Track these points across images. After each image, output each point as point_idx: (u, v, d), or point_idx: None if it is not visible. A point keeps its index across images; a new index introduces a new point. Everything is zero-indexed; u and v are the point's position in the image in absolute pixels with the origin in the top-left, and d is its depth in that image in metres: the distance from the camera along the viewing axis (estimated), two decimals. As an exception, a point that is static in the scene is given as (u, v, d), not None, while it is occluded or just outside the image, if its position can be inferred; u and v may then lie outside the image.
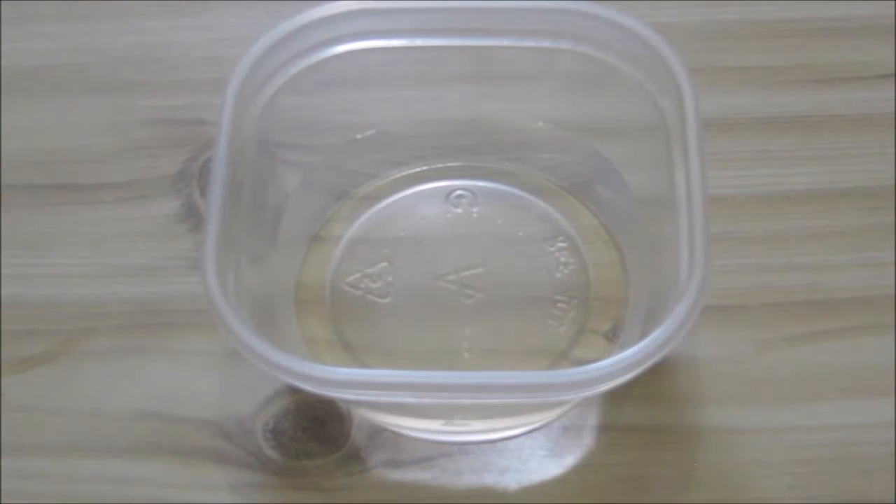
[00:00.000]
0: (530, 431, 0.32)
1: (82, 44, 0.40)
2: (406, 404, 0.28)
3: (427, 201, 0.36)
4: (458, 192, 0.36)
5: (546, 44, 0.31)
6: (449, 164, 0.36)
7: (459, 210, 0.35)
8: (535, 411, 0.32)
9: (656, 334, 0.25)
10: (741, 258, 0.35)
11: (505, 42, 0.31)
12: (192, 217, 0.36)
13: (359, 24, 0.31)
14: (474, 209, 0.35)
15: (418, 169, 0.36)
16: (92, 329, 0.34)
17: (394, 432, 0.32)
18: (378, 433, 0.32)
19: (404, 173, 0.36)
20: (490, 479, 0.32)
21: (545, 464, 0.32)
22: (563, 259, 0.34)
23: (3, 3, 0.41)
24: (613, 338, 0.33)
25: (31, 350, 0.34)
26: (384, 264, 0.34)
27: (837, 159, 0.37)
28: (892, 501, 0.31)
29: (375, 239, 0.35)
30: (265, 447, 0.32)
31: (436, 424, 0.32)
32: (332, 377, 0.26)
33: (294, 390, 0.32)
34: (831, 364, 0.33)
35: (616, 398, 0.33)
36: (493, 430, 0.32)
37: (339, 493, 0.32)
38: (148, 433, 0.32)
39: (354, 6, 0.30)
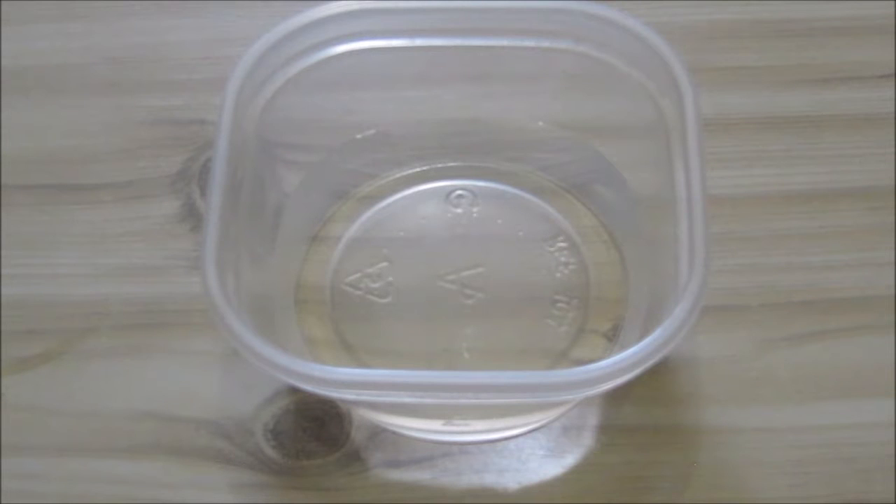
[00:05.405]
0: (530, 431, 0.32)
1: (82, 44, 0.40)
2: (406, 404, 0.28)
3: (427, 201, 0.36)
4: (458, 192, 0.36)
5: (546, 44, 0.31)
6: (449, 164, 0.36)
7: (459, 210, 0.35)
8: (535, 411, 0.32)
9: (656, 334, 0.25)
10: (741, 258, 0.35)
11: (505, 42, 0.31)
12: (192, 217, 0.36)
13: (359, 24, 0.31)
14: (474, 209, 0.35)
15: (418, 169, 0.36)
16: (92, 329, 0.34)
17: (394, 432, 0.32)
18: (378, 433, 0.32)
19: (404, 173, 0.36)
20: (490, 479, 0.32)
21: (545, 464, 0.32)
22: (563, 259, 0.34)
23: (3, 3, 0.41)
24: (613, 338, 0.33)
25: (31, 350, 0.34)
26: (384, 264, 0.34)
27: (837, 159, 0.37)
28: (892, 501, 0.31)
29: (375, 239, 0.35)
30: (265, 447, 0.32)
31: (436, 424, 0.32)
32: (332, 377, 0.26)
33: (294, 390, 0.32)
34: (831, 364, 0.33)
35: (616, 398, 0.33)
36: (493, 430, 0.32)
37: (339, 493, 0.32)
38: (148, 433, 0.32)
39: (354, 6, 0.30)
